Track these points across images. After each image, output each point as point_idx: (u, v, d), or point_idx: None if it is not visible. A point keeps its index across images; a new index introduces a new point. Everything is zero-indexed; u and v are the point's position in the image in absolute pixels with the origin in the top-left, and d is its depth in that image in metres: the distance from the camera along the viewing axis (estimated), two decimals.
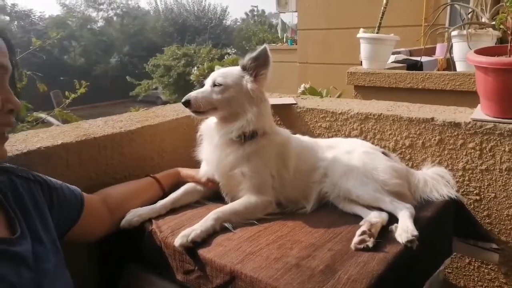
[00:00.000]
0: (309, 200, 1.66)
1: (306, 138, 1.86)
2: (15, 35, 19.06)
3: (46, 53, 19.36)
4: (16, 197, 1.15)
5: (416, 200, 1.64)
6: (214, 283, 1.32)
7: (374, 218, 1.45)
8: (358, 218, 1.54)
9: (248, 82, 1.59)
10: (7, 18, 20.97)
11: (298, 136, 1.84)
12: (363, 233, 1.36)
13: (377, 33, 3.56)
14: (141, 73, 17.24)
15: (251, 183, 1.60)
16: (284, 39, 12.15)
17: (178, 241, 1.38)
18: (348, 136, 2.13)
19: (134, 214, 1.56)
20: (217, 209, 1.51)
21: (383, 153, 1.76)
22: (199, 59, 14.24)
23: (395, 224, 1.44)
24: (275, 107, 2.33)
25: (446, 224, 1.73)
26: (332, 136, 2.18)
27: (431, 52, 4.80)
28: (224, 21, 26.99)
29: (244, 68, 1.60)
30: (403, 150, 1.99)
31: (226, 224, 1.47)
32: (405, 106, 2.12)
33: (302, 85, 6.05)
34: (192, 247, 1.38)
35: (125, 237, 1.58)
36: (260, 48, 1.58)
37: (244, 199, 1.58)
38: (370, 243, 1.32)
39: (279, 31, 12.84)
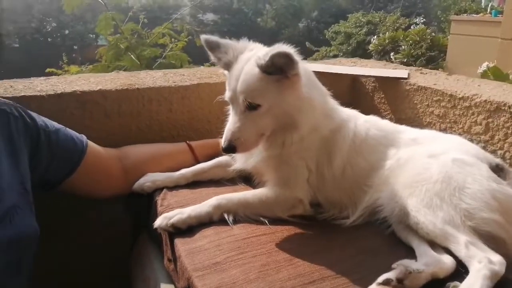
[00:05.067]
0: (357, 207, 1.20)
1: (382, 123, 1.34)
2: None
3: (243, 15, 20.96)
4: None
5: None
6: (180, 284, 1.05)
7: (423, 264, 0.92)
8: (410, 254, 1.02)
9: (288, 88, 1.14)
10: None
11: (369, 118, 1.33)
12: (387, 282, 0.86)
13: None
14: (325, 40, 17.05)
15: (277, 172, 1.22)
16: (488, 9, 10.10)
17: (158, 222, 1.14)
18: (467, 132, 1.48)
19: (148, 179, 1.38)
20: (223, 195, 1.21)
21: (496, 166, 1.13)
22: (383, 28, 13.15)
23: (456, 283, 0.89)
24: (381, 80, 1.81)
25: None
26: (445, 128, 1.56)
27: None
28: None
29: (267, 73, 1.11)
30: None
31: (226, 216, 1.16)
32: None
33: (485, 64, 4.91)
34: (173, 233, 1.13)
35: (147, 201, 1.43)
36: (271, 53, 1.06)
37: (262, 190, 1.23)
38: None
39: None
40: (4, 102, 1.14)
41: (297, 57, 1.11)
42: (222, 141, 1.15)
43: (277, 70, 1.10)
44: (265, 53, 1.09)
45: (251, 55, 1.18)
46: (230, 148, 1.14)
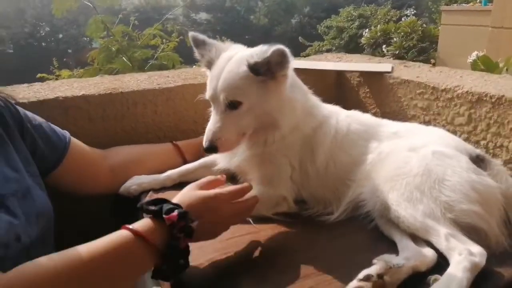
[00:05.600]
0: (341, 202, 1.20)
1: (363, 118, 1.34)
2: None
3: (235, 13, 20.91)
4: None
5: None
6: (164, 287, 1.05)
7: (404, 259, 0.93)
8: (393, 248, 1.03)
9: (271, 89, 1.14)
10: None
11: (351, 113, 1.34)
12: (367, 278, 0.87)
13: None
14: (318, 34, 17.00)
15: (261, 171, 1.23)
16: None
17: None
18: (450, 123, 1.49)
19: (134, 182, 1.38)
20: None
21: (476, 157, 1.14)
22: (374, 21, 13.13)
23: (436, 276, 0.89)
24: (365, 74, 1.81)
25: None
26: (429, 121, 1.57)
27: None
28: None
29: (255, 72, 1.11)
30: None
31: None
32: None
33: (474, 53, 4.92)
34: None
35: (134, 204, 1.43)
36: (272, 50, 1.07)
37: None
38: None
39: None
40: None
41: (291, 57, 1.11)
42: (203, 141, 1.16)
43: (266, 70, 1.10)
44: (261, 51, 1.10)
45: (233, 54, 1.19)
46: (212, 148, 1.15)
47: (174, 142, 1.54)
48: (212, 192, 1.02)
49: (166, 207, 0.91)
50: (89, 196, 1.39)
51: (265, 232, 1.14)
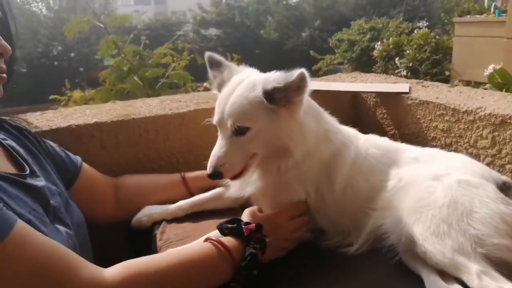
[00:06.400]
0: (361, 232, 1.15)
1: (381, 142, 1.29)
2: (222, 12, 21.20)
3: (245, 28, 21.08)
4: (18, 141, 1.10)
5: None
6: None
7: None
8: (418, 284, 0.97)
9: (283, 116, 1.09)
10: None
11: (369, 137, 1.29)
12: None
13: None
14: (329, 48, 16.98)
15: (274, 200, 1.19)
16: (492, 9, 9.99)
17: None
18: (473, 146, 1.43)
19: (145, 213, 1.35)
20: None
21: (503, 184, 1.08)
22: (386, 34, 13.06)
23: None
24: (382, 95, 1.77)
25: None
26: (451, 143, 1.51)
27: None
28: None
29: (269, 98, 1.06)
30: None
31: None
32: None
33: (491, 66, 4.84)
34: None
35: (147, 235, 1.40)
36: (297, 74, 1.02)
37: None
38: None
39: (485, 0, 10.57)
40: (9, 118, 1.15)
41: (309, 81, 1.06)
42: (208, 167, 1.11)
43: (283, 96, 1.05)
44: (282, 76, 1.05)
45: (244, 78, 1.15)
46: (216, 175, 1.10)
47: (182, 174, 1.48)
48: (273, 211, 1.15)
49: (243, 222, 1.04)
50: (95, 224, 1.37)
51: (280, 266, 1.09)
